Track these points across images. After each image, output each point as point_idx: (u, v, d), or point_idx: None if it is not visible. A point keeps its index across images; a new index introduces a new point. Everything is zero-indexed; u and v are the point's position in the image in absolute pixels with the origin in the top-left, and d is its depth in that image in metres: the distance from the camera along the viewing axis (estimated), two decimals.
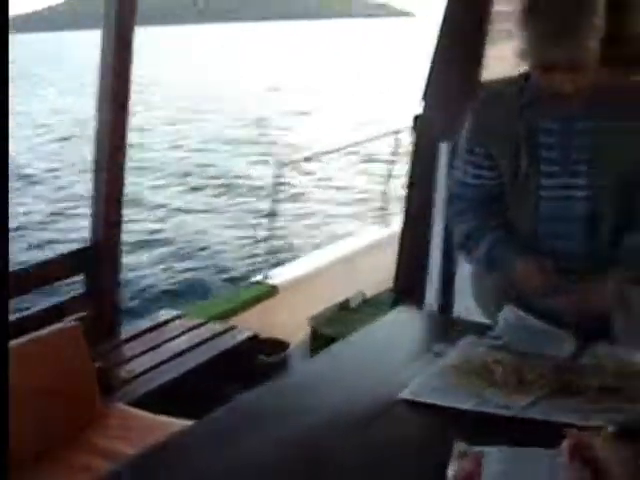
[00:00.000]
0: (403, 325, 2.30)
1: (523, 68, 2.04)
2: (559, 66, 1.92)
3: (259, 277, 4.53)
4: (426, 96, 3.56)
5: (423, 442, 1.67)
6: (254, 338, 3.30)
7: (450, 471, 1.49)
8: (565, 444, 1.41)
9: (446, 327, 2.27)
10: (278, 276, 4.53)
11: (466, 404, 1.75)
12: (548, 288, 2.07)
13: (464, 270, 3.42)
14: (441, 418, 1.73)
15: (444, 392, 1.81)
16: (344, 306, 4.50)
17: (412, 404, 1.78)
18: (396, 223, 4.69)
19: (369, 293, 4.66)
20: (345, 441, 1.66)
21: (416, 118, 3.59)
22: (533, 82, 2.06)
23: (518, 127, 2.10)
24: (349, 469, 1.57)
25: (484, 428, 1.66)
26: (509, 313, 2.15)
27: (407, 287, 3.73)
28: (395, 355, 2.11)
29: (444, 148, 3.51)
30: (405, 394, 1.81)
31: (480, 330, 2.13)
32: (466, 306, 2.92)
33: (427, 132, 3.56)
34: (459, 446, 1.56)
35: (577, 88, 1.96)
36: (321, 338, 4.20)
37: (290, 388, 1.89)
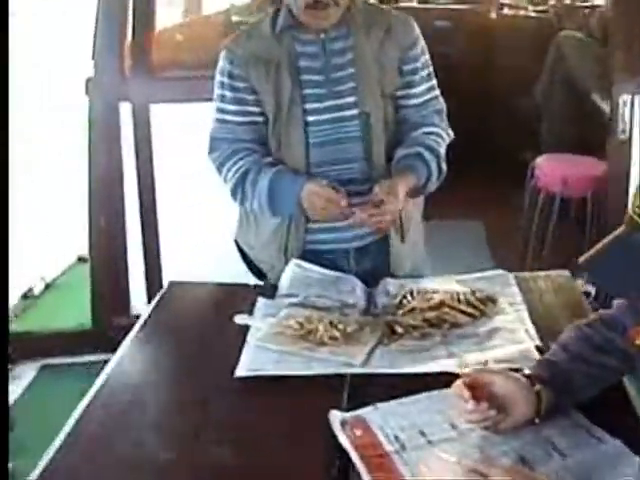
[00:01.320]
0: (184, 302, 2.19)
1: None
2: None
3: None
4: (95, 56, 3.34)
5: (289, 415, 1.60)
6: None
7: (343, 440, 1.48)
8: (459, 386, 1.44)
9: (227, 295, 2.18)
10: None
11: (312, 369, 1.71)
12: (338, 213, 2.00)
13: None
14: (289, 388, 1.67)
15: (281, 362, 1.75)
16: (28, 296, 4.10)
17: (252, 380, 1.69)
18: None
19: (49, 276, 4.29)
20: (212, 433, 1.56)
21: (88, 81, 3.36)
22: (286, 11, 2.07)
23: (277, 54, 2.08)
24: (233, 466, 1.47)
25: (339, 390, 1.66)
26: (294, 267, 2.12)
27: (106, 259, 3.55)
28: (199, 335, 1.99)
29: (125, 107, 3.36)
30: (242, 372, 1.72)
31: (264, 292, 2.09)
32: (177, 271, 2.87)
33: (102, 94, 3.36)
34: (335, 416, 1.54)
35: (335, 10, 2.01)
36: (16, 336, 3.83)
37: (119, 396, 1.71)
